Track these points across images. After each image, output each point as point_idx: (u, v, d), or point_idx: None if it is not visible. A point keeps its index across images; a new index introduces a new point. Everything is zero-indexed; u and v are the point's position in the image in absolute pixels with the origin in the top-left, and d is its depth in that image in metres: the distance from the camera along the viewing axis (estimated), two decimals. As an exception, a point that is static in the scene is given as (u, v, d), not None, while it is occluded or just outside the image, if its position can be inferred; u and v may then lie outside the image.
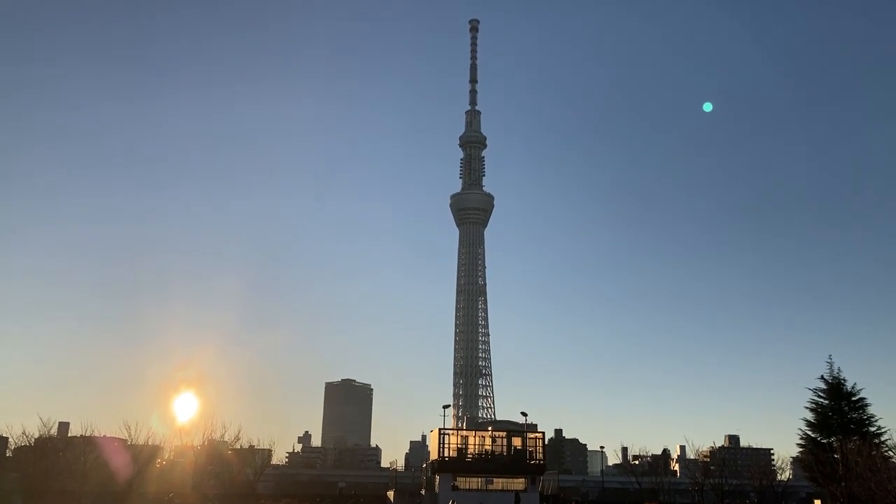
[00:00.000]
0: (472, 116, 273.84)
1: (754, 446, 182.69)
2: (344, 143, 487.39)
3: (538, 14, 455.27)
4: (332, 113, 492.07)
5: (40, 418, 75.15)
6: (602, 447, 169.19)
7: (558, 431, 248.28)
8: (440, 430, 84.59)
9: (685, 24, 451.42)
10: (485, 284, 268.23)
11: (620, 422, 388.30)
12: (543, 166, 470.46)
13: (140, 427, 75.92)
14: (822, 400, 61.89)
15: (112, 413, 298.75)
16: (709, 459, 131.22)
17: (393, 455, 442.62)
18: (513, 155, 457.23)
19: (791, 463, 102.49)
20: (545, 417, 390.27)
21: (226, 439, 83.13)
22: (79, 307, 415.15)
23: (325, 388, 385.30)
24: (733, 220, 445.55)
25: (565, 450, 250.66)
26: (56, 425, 79.92)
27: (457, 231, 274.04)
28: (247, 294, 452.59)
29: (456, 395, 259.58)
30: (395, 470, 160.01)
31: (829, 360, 62.71)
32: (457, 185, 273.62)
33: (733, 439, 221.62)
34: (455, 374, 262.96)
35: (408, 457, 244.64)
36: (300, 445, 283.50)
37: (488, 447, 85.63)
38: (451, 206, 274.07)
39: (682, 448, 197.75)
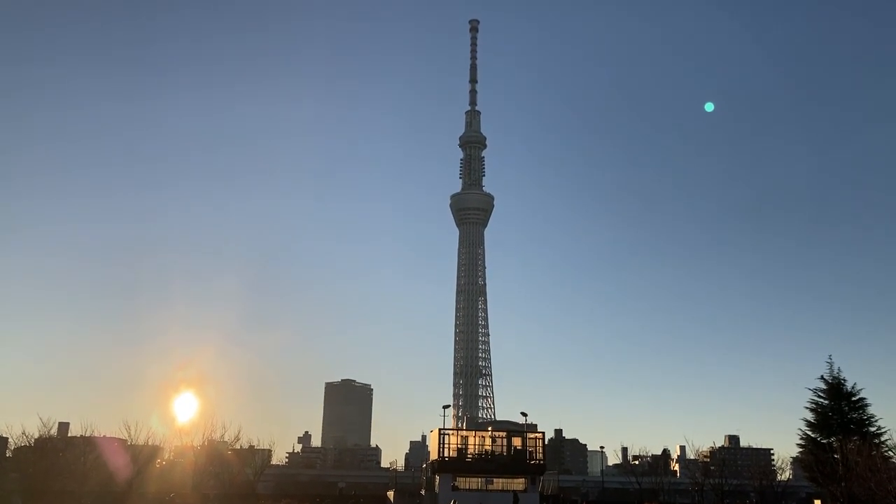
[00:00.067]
0: (472, 116, 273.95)
1: (754, 446, 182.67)
2: (344, 143, 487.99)
3: (538, 14, 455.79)
4: (332, 113, 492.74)
5: (40, 418, 75.33)
6: (602, 447, 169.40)
7: (558, 431, 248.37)
8: (440, 430, 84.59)
9: (685, 24, 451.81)
10: (485, 284, 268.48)
11: (620, 422, 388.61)
12: (543, 166, 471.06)
13: (140, 427, 76.09)
14: (822, 400, 61.87)
15: (112, 413, 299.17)
16: (709, 459, 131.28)
17: (393, 455, 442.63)
18: (513, 155, 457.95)
19: (791, 463, 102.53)
20: (545, 417, 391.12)
21: (226, 439, 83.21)
22: (79, 307, 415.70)
23: (325, 388, 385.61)
24: (733, 220, 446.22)
25: (565, 450, 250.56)
26: (56, 425, 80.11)
27: (457, 231, 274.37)
28: (247, 294, 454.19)
29: (456, 396, 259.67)
30: (395, 470, 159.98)
31: (829, 360, 62.78)
32: (457, 185, 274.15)
33: (733, 439, 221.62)
34: (455, 374, 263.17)
35: (408, 457, 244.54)
36: (300, 445, 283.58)
37: (488, 447, 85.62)
38: (451, 206, 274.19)
39: (682, 448, 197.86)
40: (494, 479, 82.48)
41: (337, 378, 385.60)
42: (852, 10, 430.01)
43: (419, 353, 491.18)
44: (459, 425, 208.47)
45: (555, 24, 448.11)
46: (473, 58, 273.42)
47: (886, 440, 57.42)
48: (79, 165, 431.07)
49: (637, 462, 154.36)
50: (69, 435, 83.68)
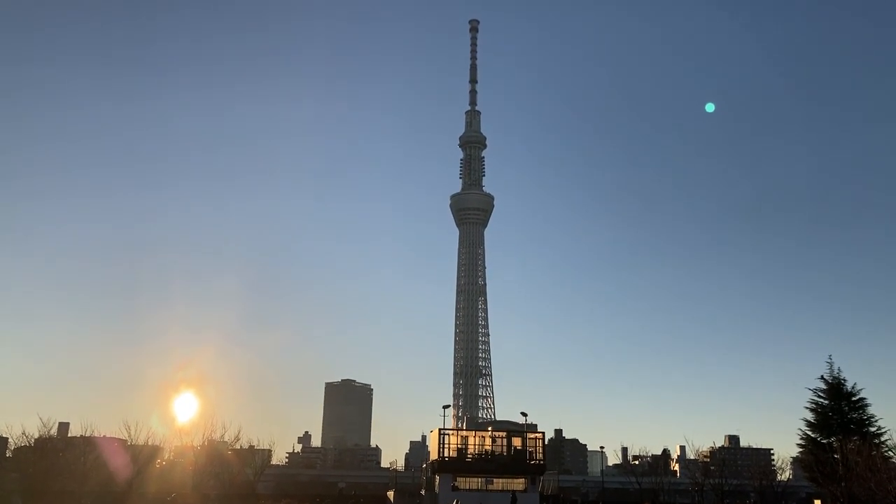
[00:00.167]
0: (472, 116, 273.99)
1: (754, 446, 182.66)
2: (344, 143, 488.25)
3: (538, 14, 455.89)
4: (332, 113, 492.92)
5: (40, 418, 75.22)
6: (602, 447, 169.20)
7: (558, 431, 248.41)
8: (440, 430, 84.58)
9: (685, 24, 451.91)
10: (485, 284, 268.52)
11: (620, 422, 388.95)
12: (543, 166, 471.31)
13: (140, 427, 75.92)
14: (822, 400, 61.87)
15: (112, 413, 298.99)
16: (709, 459, 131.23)
17: (393, 455, 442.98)
18: (513, 155, 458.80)
19: (791, 463, 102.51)
20: (545, 417, 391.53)
21: (226, 439, 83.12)
22: (79, 307, 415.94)
23: (325, 388, 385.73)
24: (733, 220, 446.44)
25: (565, 450, 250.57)
26: (56, 425, 79.97)
27: (457, 231, 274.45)
28: (247, 294, 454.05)
29: (456, 396, 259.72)
30: (395, 470, 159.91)
31: (829, 360, 62.79)
32: (457, 185, 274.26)
33: (733, 439, 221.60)
34: (455, 374, 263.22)
35: (408, 457, 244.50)
36: (300, 445, 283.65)
37: (488, 447, 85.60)
38: (451, 206, 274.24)
39: (682, 448, 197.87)
40: (494, 480, 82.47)
41: (337, 378, 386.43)
42: (852, 10, 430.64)
43: (419, 353, 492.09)
44: (459, 425, 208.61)
45: (555, 24, 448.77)
46: (473, 58, 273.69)
47: (886, 440, 57.50)
48: (79, 165, 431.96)
49: (637, 462, 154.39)
50: (69, 435, 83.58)
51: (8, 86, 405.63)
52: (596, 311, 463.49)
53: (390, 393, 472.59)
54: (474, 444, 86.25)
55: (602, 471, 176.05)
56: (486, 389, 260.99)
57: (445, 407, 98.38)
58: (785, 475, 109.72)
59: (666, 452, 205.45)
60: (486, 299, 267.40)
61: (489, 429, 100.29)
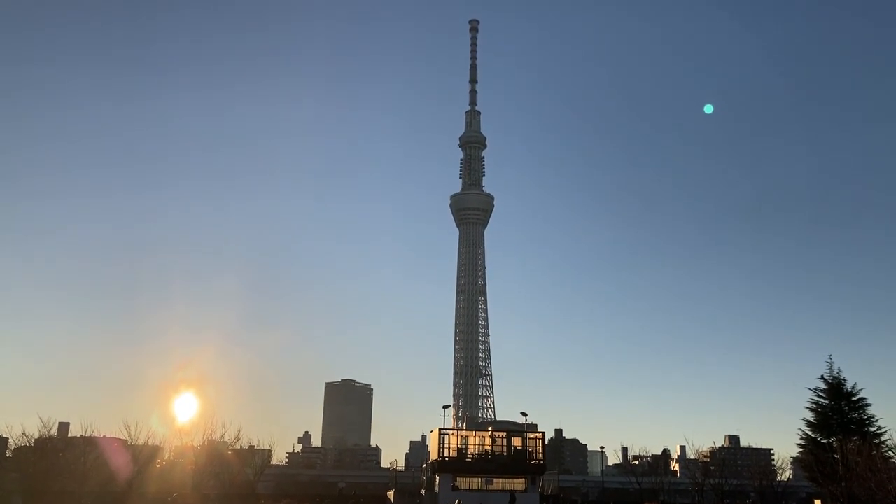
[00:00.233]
0: (472, 116, 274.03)
1: (754, 446, 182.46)
2: (344, 143, 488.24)
3: (538, 14, 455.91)
4: (332, 113, 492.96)
5: (40, 418, 75.15)
6: (602, 447, 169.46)
7: (558, 431, 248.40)
8: (440, 430, 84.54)
9: (685, 24, 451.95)
10: (485, 284, 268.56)
11: (620, 422, 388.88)
12: (543, 166, 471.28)
13: (140, 427, 75.89)
14: (822, 400, 61.88)
15: (112, 413, 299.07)
16: (709, 459, 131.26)
17: (393, 455, 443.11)
18: (513, 155, 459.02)
19: (791, 463, 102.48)
20: (545, 417, 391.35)
21: (226, 439, 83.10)
22: (79, 307, 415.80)
23: (325, 388, 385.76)
24: (733, 220, 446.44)
25: (565, 450, 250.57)
26: (56, 425, 79.87)
27: (457, 231, 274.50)
28: (247, 294, 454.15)
29: (456, 396, 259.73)
30: (395, 470, 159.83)
31: (829, 360, 62.80)
32: (457, 185, 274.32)
33: (733, 439, 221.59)
34: (455, 374, 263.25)
35: (408, 457, 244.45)
36: (300, 446, 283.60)
37: (488, 447, 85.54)
38: (451, 206, 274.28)
39: (682, 448, 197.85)
40: (494, 480, 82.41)
41: (337, 378, 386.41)
42: (852, 10, 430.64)
43: (419, 353, 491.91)
44: (459, 425, 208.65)
45: (555, 24, 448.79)
46: (473, 58, 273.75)
47: (886, 440, 57.53)
48: (79, 165, 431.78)
49: (637, 462, 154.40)
50: (69, 435, 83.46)
51: (8, 86, 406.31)
52: (596, 311, 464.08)
53: (390, 393, 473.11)
54: (474, 444, 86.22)
55: (602, 471, 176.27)
56: (486, 389, 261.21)
57: (445, 407, 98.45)
58: (785, 475, 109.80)
59: (666, 452, 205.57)
60: (486, 299, 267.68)
61: (489, 429, 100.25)
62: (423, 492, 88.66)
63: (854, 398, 60.89)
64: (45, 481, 68.84)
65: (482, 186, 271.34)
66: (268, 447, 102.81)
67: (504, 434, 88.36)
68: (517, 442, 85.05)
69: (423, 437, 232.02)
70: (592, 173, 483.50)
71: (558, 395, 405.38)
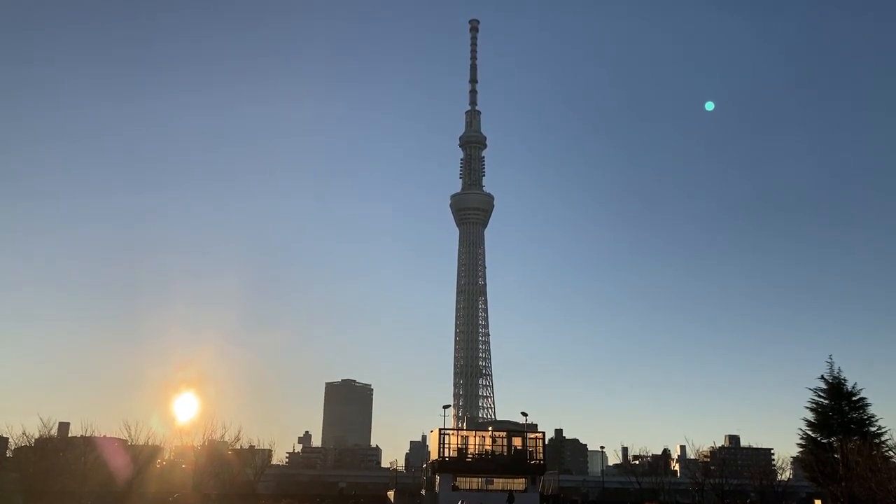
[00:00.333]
0: (472, 116, 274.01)
1: (754, 446, 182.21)
2: (344, 143, 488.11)
3: (538, 14, 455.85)
4: (332, 113, 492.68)
5: (40, 418, 75.29)
6: (602, 447, 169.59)
7: (558, 431, 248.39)
8: (440, 430, 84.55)
9: (685, 24, 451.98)
10: (485, 284, 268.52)
11: (620, 422, 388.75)
12: (543, 166, 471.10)
13: (140, 427, 75.77)
14: (822, 400, 61.93)
15: (112, 413, 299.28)
16: (709, 459, 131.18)
17: (393, 455, 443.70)
18: (513, 155, 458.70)
19: (791, 463, 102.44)
20: (545, 417, 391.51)
21: (226, 439, 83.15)
22: (79, 307, 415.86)
23: (325, 388, 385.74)
24: (733, 220, 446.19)
25: (565, 450, 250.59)
26: (56, 425, 79.99)
27: (457, 231, 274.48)
28: (247, 294, 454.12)
29: (456, 395, 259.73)
30: (396, 470, 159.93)
31: (829, 360, 62.92)
32: (457, 185, 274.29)
33: (733, 439, 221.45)
34: (455, 374, 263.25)
35: (408, 457, 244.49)
36: (300, 445, 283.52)
37: (488, 447, 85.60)
38: (451, 206, 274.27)
39: (683, 448, 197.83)
40: (495, 480, 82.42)
41: (337, 378, 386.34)
42: (853, 10, 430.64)
43: (419, 353, 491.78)
44: (460, 425, 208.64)
45: (555, 24, 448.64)
46: (473, 58, 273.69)
47: (887, 440, 57.63)
48: (79, 165, 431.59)
49: (637, 462, 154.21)
50: (69, 435, 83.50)
51: (8, 86, 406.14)
52: (596, 311, 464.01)
53: (390, 393, 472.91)
54: (474, 444, 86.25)
55: (602, 471, 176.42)
56: (487, 389, 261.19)
57: (446, 407, 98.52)
58: (785, 475, 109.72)
59: (666, 452, 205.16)
60: (486, 299, 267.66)
61: (489, 429, 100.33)
62: (423, 492, 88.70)
63: (854, 398, 60.95)
64: (46, 481, 68.88)
65: (482, 186, 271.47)
66: (268, 447, 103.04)
67: (504, 434, 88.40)
68: (517, 442, 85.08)
69: (424, 437, 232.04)
70: (592, 173, 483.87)
71: (558, 395, 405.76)
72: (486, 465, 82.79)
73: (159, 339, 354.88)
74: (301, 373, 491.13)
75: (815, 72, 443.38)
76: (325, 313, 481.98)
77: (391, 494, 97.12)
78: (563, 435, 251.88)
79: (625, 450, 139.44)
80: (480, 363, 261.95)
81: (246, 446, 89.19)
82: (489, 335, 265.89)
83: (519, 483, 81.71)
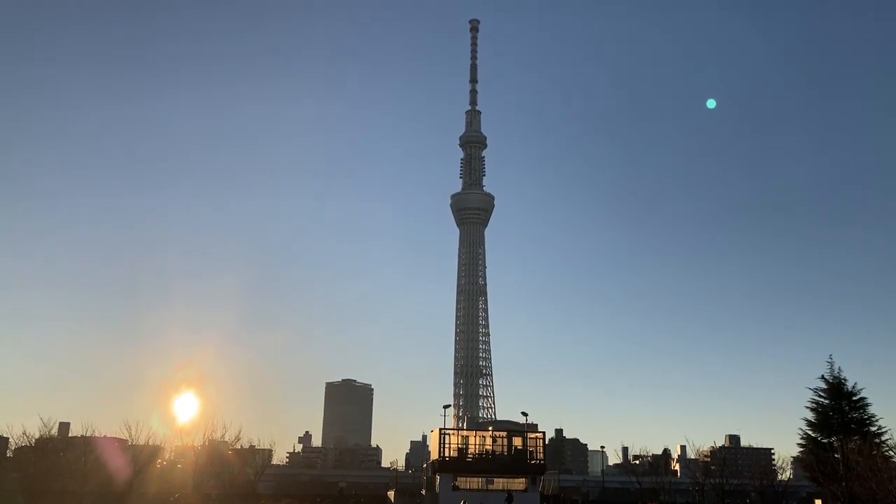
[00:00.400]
0: (472, 116, 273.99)
1: (755, 446, 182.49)
2: (344, 143, 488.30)
3: (538, 14, 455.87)
4: (332, 113, 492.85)
5: (41, 418, 75.27)
6: (602, 447, 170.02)
7: (559, 431, 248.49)
8: (440, 430, 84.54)
9: (685, 24, 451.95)
10: (485, 284, 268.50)
11: (621, 422, 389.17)
12: (543, 166, 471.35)
13: (140, 427, 75.59)
14: (822, 400, 61.86)
15: (112, 413, 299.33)
16: (709, 459, 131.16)
17: (393, 455, 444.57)
18: (513, 155, 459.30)
19: (791, 463, 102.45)
20: (545, 417, 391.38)
21: (226, 439, 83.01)
22: (79, 307, 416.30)
23: (326, 388, 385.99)
24: (733, 220, 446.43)
25: (566, 450, 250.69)
26: (56, 425, 79.93)
27: (457, 231, 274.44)
28: (247, 294, 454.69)
29: (456, 395, 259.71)
30: (396, 470, 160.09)
31: (829, 360, 62.78)
32: (457, 185, 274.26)
33: (734, 439, 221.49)
34: (455, 374, 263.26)
35: (408, 457, 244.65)
36: (300, 445, 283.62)
37: (489, 447, 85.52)
38: (451, 206, 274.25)
39: (683, 448, 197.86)
40: (495, 479, 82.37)
41: (337, 378, 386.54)
42: (853, 10, 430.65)
43: (419, 353, 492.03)
44: (460, 425, 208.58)
45: (555, 24, 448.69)
46: (473, 58, 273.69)
47: (887, 440, 57.50)
48: (79, 165, 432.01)
49: (637, 462, 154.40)
50: (70, 435, 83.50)
51: (8, 86, 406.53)
52: (596, 311, 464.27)
53: (391, 393, 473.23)
54: (475, 444, 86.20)
55: (602, 470, 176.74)
56: (487, 389, 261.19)
57: (446, 407, 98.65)
58: (785, 475, 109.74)
59: (666, 452, 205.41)
60: (486, 299, 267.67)
61: (490, 429, 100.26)
62: (423, 492, 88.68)
63: (854, 398, 60.87)
64: (46, 481, 68.89)
65: (482, 186, 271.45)
66: (268, 447, 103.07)
67: (504, 434, 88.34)
68: (517, 442, 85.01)
69: (424, 437, 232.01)
70: (592, 173, 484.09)
71: (558, 395, 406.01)
72: (487, 464, 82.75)
73: (159, 339, 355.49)
74: (301, 373, 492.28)
75: (815, 72, 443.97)
76: (325, 313, 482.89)
77: (391, 494, 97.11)
78: (564, 435, 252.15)
79: (625, 450, 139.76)
80: (480, 363, 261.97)
81: (246, 446, 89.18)
82: (489, 335, 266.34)
83: (519, 483, 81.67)
